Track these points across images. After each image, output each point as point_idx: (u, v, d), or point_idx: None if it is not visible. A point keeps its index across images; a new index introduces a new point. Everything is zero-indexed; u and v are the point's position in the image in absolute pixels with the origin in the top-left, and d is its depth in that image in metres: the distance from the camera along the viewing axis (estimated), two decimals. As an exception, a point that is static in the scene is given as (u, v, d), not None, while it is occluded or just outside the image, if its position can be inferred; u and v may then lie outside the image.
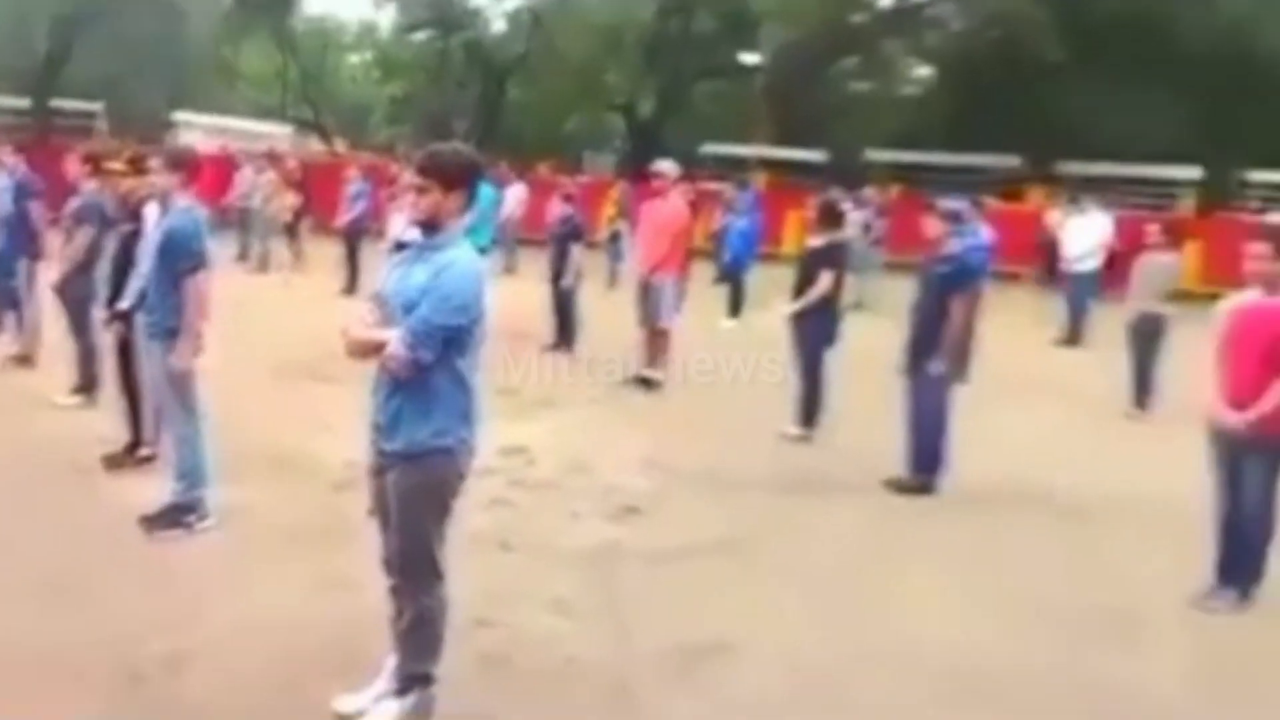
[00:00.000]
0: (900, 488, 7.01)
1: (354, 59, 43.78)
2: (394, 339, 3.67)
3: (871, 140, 30.11)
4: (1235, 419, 5.23)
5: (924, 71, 35.91)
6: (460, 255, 3.75)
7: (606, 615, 4.99)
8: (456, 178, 3.77)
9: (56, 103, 27.08)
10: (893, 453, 7.18)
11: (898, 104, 35.12)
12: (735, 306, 14.42)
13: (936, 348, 7.03)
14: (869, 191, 17.83)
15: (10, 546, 5.32)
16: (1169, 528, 6.42)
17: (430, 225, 3.78)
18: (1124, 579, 5.77)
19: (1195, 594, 5.44)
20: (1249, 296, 5.44)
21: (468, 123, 32.36)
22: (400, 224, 10.84)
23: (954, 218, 7.38)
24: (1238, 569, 5.41)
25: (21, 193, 9.56)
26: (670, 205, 10.22)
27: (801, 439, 8.16)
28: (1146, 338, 9.71)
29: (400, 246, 4.02)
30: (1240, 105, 25.20)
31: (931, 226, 7.27)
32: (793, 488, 7.08)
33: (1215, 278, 15.62)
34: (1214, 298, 5.73)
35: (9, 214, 9.49)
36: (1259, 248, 5.32)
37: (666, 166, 10.23)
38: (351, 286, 14.42)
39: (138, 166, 6.64)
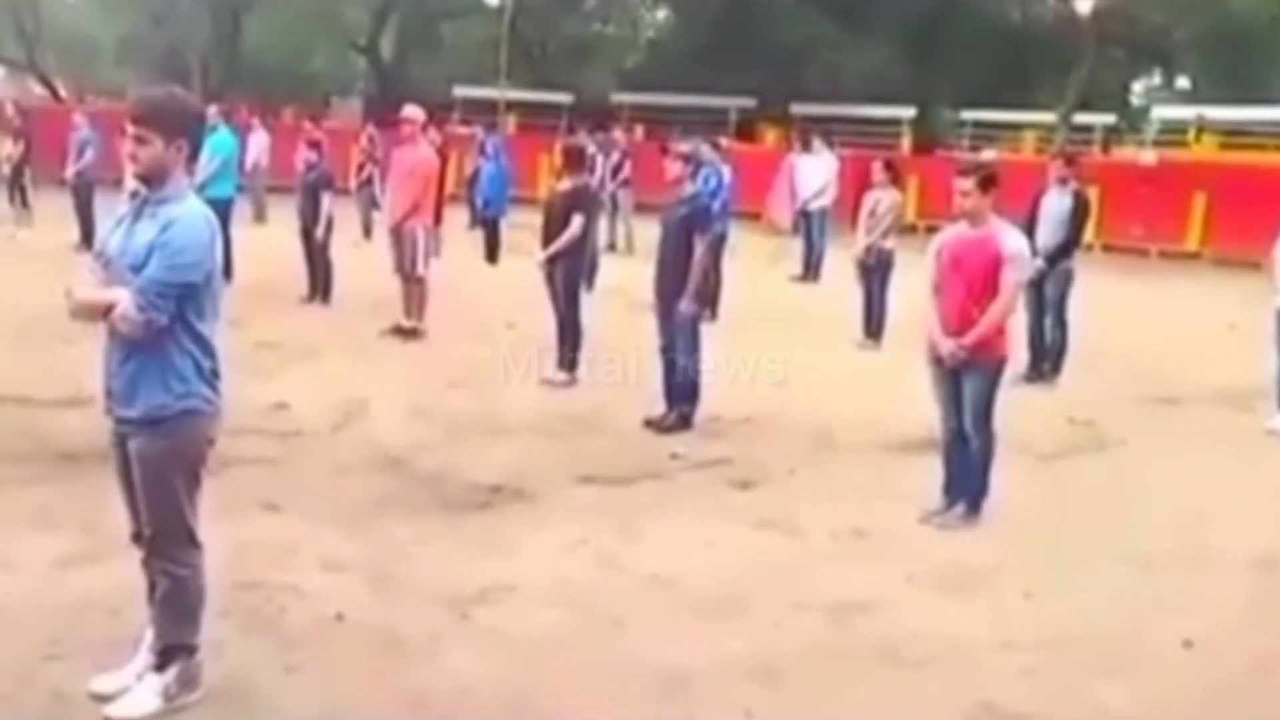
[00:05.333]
0: (660, 427, 7.16)
1: (71, -1, 40.24)
2: (124, 300, 3.42)
3: (615, 83, 30.32)
4: (950, 345, 5.58)
5: (661, 14, 36.40)
6: (186, 209, 3.50)
7: (376, 569, 4.89)
8: (176, 126, 3.50)
9: None
10: (652, 389, 7.32)
11: (638, 46, 35.49)
12: (491, 252, 14.28)
13: (683, 288, 7.17)
14: (616, 134, 17.90)
15: None
16: (900, 448, 6.86)
17: (151, 178, 3.51)
18: (863, 497, 6.08)
19: (926, 511, 5.79)
20: (958, 230, 5.76)
21: (203, 64, 30.44)
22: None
23: (690, 160, 7.50)
24: (963, 485, 5.77)
25: None
26: (419, 151, 9.98)
27: (564, 384, 8.20)
28: (875, 271, 10.22)
29: (135, 196, 3.74)
30: (949, 46, 26.73)
31: (670, 169, 7.38)
32: (559, 431, 7.11)
33: (931, 212, 16.67)
34: (931, 231, 6.09)
35: None
36: (964, 183, 5.60)
37: (413, 111, 9.98)
38: (87, 240, 13.43)
39: None
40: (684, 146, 7.64)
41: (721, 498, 6.03)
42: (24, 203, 15.97)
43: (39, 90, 31.25)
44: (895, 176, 10.77)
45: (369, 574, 4.85)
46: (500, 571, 4.92)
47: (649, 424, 7.18)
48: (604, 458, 6.61)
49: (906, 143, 24.05)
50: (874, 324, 10.23)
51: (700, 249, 7.21)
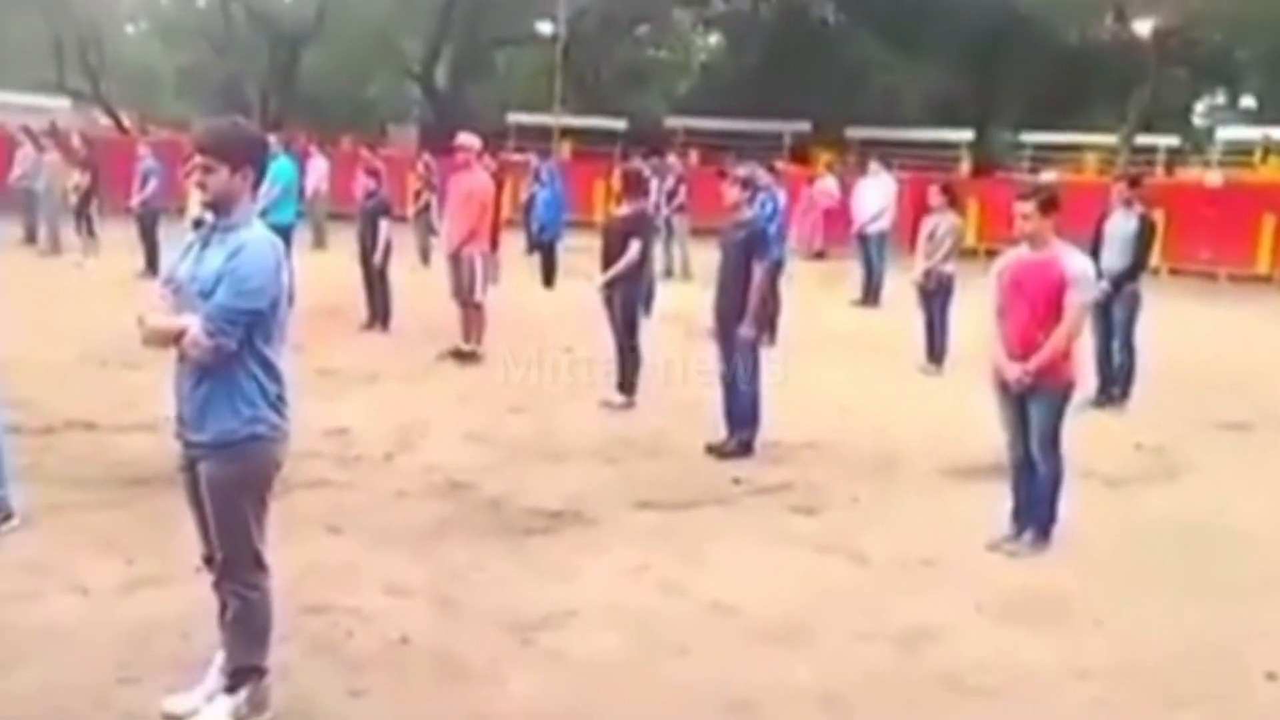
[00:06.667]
0: (721, 452, 7.16)
1: (130, 29, 41.22)
2: (194, 326, 3.50)
3: (668, 107, 30.51)
4: (1016, 370, 5.52)
5: (713, 39, 36.63)
6: (253, 236, 3.59)
7: (438, 593, 4.93)
8: (241, 155, 3.60)
9: None
10: (712, 415, 7.32)
11: (691, 71, 35.68)
12: (548, 276, 14.40)
13: (743, 312, 7.17)
14: (671, 159, 17.97)
15: None
16: (965, 474, 6.80)
17: (219, 206, 3.60)
18: (928, 523, 6.03)
19: (994, 538, 5.72)
20: (1019, 253, 5.72)
21: (261, 94, 31.06)
22: (198, 202, 10.36)
23: (748, 184, 7.52)
24: (1032, 512, 5.70)
25: None
26: (475, 177, 10.09)
27: (623, 406, 8.23)
28: (934, 295, 10.16)
29: (199, 225, 3.83)
30: (1007, 68, 26.58)
31: (728, 193, 7.39)
32: (618, 456, 7.13)
33: (991, 235, 16.54)
34: (992, 254, 6.04)
35: None
36: (1025, 206, 5.56)
37: (469, 139, 10.10)
38: (152, 268, 13.73)
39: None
40: (741, 170, 7.64)
41: (784, 523, 6.01)
42: (90, 232, 16.34)
43: (104, 121, 31.98)
44: (953, 200, 10.71)
45: (431, 598, 4.89)
46: (561, 596, 4.94)
47: (710, 449, 7.17)
48: (664, 482, 6.61)
49: (965, 165, 23.92)
50: (936, 349, 10.16)
51: (759, 273, 7.22)
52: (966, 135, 24.77)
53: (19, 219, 16.58)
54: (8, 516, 5.38)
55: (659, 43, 36.52)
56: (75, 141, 17.68)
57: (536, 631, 4.61)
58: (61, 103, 29.83)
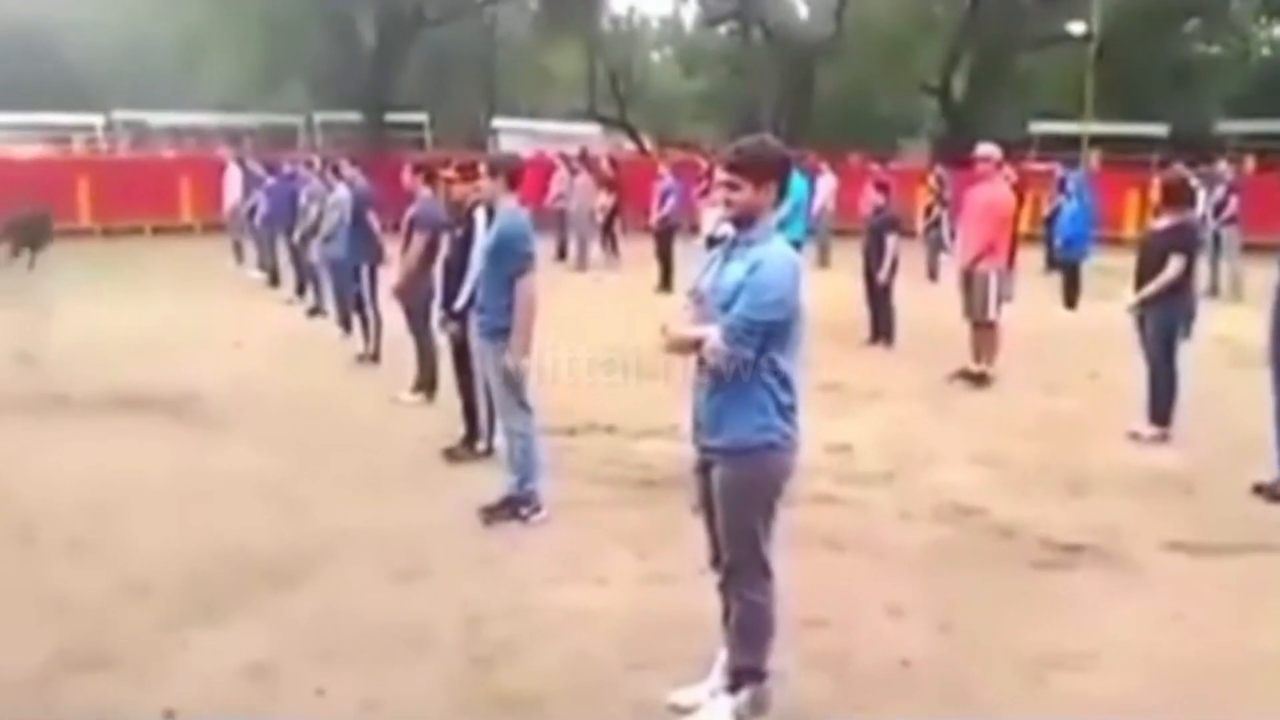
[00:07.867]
0: (1272, 494, 6.51)
1: (655, 56, 44.79)
2: (713, 335, 3.76)
3: (1219, 110, 28.11)
4: None
5: (1278, 31, 33.20)
6: (774, 250, 3.79)
7: (943, 619, 4.90)
8: (767, 171, 3.81)
9: (388, 116, 29.09)
10: (1262, 452, 6.67)
11: (1249, 68, 32.61)
12: (1070, 296, 13.80)
13: (1307, 337, 6.48)
14: (1222, 166, 16.58)
15: (365, 533, 5.84)
16: None
17: (743, 220, 3.84)
18: None
19: None
20: None
21: (775, 113, 32.43)
22: (712, 220, 11.05)
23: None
24: None
25: (360, 202, 10.51)
26: (994, 190, 9.88)
27: (1155, 438, 7.71)
28: None
29: (712, 242, 4.10)
30: None
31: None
32: (1147, 491, 6.69)
33: None
34: None
35: (349, 223, 10.46)
36: None
37: (989, 149, 9.92)
38: (666, 283, 14.84)
39: (467, 174, 7.07)
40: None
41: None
42: (614, 248, 17.96)
43: (628, 145, 35.02)
44: None
45: (935, 623, 4.87)
46: (1081, 637, 4.73)
47: (1259, 490, 6.54)
48: (1201, 523, 6.11)
49: None
50: None
51: (1331, 292, 6.48)
52: None
53: (554, 236, 18.53)
54: (538, 508, 6.07)
55: (1211, 37, 33.65)
56: (604, 165, 19.51)
57: (1052, 670, 4.46)
58: (591, 129, 33.04)
